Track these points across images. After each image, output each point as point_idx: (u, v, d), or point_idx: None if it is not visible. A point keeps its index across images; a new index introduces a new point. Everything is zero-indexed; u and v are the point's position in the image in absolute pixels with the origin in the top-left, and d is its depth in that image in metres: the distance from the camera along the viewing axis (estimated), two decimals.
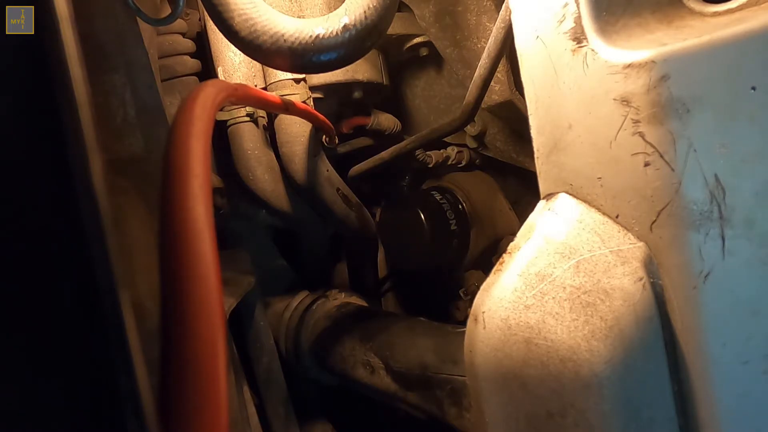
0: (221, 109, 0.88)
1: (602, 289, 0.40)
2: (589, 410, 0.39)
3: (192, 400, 0.24)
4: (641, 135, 0.39)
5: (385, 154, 1.02)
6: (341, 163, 1.07)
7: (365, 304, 1.05)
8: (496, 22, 0.63)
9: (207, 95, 0.35)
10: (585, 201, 0.43)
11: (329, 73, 0.90)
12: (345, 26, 0.56)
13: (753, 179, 0.36)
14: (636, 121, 0.39)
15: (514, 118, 0.99)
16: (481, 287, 0.46)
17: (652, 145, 0.38)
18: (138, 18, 0.56)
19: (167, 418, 0.25)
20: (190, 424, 0.24)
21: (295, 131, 0.91)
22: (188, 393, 0.24)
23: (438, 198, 1.12)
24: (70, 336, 0.36)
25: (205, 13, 0.87)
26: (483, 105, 0.87)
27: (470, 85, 0.75)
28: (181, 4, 0.57)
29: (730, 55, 0.35)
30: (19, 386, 0.35)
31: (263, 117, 0.94)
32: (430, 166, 1.12)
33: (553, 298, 0.41)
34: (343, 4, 0.57)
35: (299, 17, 0.61)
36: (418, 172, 1.25)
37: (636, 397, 0.39)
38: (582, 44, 0.41)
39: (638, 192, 0.40)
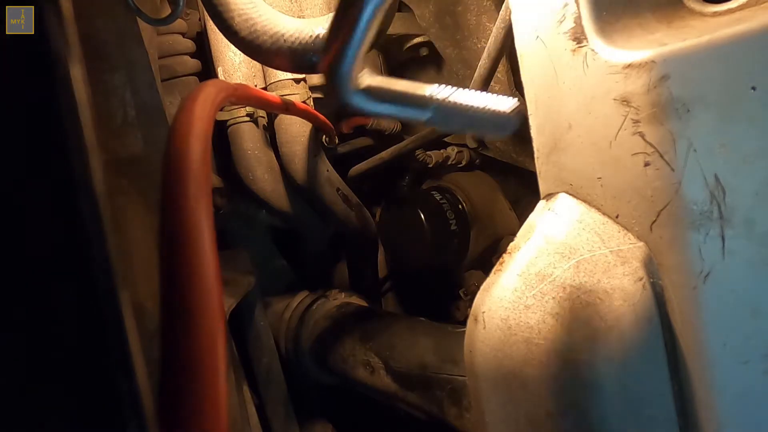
0: (221, 109, 0.88)
1: (602, 289, 0.40)
2: (588, 410, 0.39)
3: (192, 400, 0.24)
4: (641, 135, 0.39)
5: (385, 154, 1.02)
6: (341, 163, 1.07)
7: (365, 304, 1.05)
8: (496, 22, 0.63)
9: (207, 95, 0.35)
10: (585, 201, 0.43)
11: None
12: None
13: (753, 179, 0.36)
14: (636, 121, 0.39)
15: None
16: (481, 287, 0.46)
17: (652, 145, 0.38)
18: (138, 18, 0.56)
19: (167, 418, 0.25)
20: (189, 425, 0.24)
21: (295, 131, 0.91)
22: (188, 393, 0.24)
23: (438, 198, 1.12)
24: (71, 336, 0.36)
25: (205, 13, 0.87)
26: None
27: (470, 85, 0.75)
28: (181, 4, 0.57)
29: (730, 55, 0.35)
30: (20, 387, 0.35)
31: (263, 117, 0.94)
32: (430, 166, 1.12)
33: (553, 298, 0.41)
34: None
35: (299, 17, 0.61)
36: (418, 172, 1.25)
37: (636, 397, 0.39)
38: (582, 44, 0.41)
39: (638, 192, 0.40)
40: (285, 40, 0.55)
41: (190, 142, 0.30)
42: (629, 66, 0.38)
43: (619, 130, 0.40)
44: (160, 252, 0.27)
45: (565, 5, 0.42)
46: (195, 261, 0.26)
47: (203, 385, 0.25)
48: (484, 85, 0.74)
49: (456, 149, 1.15)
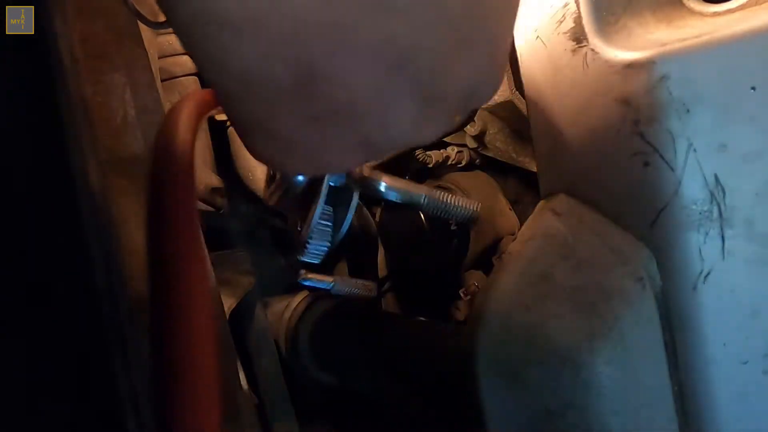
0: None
1: (602, 289, 0.40)
2: (588, 410, 0.39)
3: (182, 399, 0.24)
4: (641, 135, 0.39)
5: None
6: None
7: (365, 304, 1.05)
8: None
9: (195, 101, 0.34)
10: (585, 201, 0.43)
11: None
12: None
13: (753, 179, 0.36)
14: (636, 121, 0.39)
15: (514, 118, 0.99)
16: (481, 287, 0.46)
17: (651, 145, 0.38)
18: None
19: (165, 418, 0.25)
20: (182, 424, 0.24)
21: None
22: (177, 392, 0.24)
23: None
24: (70, 336, 0.36)
25: None
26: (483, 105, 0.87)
27: None
28: None
29: (730, 55, 0.35)
30: (19, 387, 0.35)
31: None
32: (430, 166, 1.12)
33: (553, 298, 0.41)
34: None
35: None
36: (418, 172, 1.25)
37: (636, 397, 0.39)
38: (582, 44, 0.41)
39: (638, 192, 0.40)
40: None
41: (174, 148, 0.30)
42: (629, 66, 0.38)
43: (619, 130, 0.40)
44: (148, 256, 0.27)
45: (565, 5, 0.42)
46: (182, 263, 0.26)
47: (192, 384, 0.25)
48: None
49: (456, 149, 1.15)
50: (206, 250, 0.27)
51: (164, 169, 0.28)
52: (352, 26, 0.21)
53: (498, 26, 0.29)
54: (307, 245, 0.55)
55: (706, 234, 0.37)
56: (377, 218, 1.21)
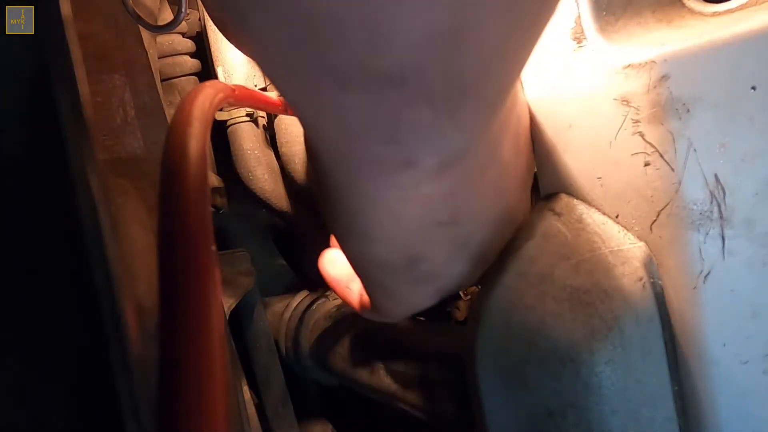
0: (220, 110, 0.88)
1: (602, 289, 0.40)
2: (588, 410, 0.39)
3: (189, 401, 0.24)
4: (641, 135, 0.39)
5: None
6: None
7: None
8: None
9: (205, 96, 0.35)
10: (585, 201, 0.43)
11: None
12: None
13: (753, 179, 0.36)
14: (636, 121, 0.39)
15: None
16: (481, 287, 0.46)
17: (652, 145, 0.38)
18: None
19: (165, 418, 0.25)
20: (187, 425, 0.24)
21: (295, 131, 0.91)
22: (186, 395, 0.24)
23: None
24: (70, 336, 0.36)
25: (205, 13, 0.87)
26: None
27: None
28: (183, 11, 0.57)
29: (730, 55, 0.35)
30: (19, 387, 0.35)
31: (263, 117, 0.94)
32: None
33: (553, 298, 0.41)
34: None
35: None
36: None
37: (636, 397, 0.39)
38: (582, 44, 0.41)
39: (638, 192, 0.40)
40: None
41: (187, 144, 0.30)
42: (629, 66, 0.38)
43: (618, 130, 0.40)
44: (159, 255, 0.27)
45: (565, 5, 0.42)
46: (194, 262, 0.26)
47: (201, 387, 0.25)
48: None
49: None
50: (217, 260, 0.27)
51: (177, 163, 0.28)
52: (438, 238, 0.37)
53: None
54: None
55: (706, 234, 0.37)
56: None
